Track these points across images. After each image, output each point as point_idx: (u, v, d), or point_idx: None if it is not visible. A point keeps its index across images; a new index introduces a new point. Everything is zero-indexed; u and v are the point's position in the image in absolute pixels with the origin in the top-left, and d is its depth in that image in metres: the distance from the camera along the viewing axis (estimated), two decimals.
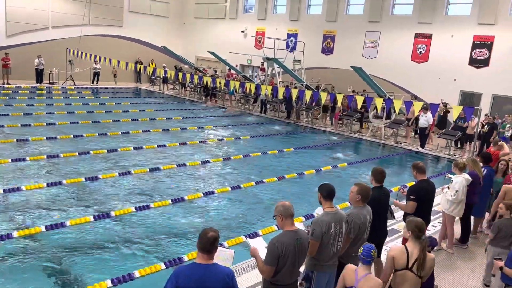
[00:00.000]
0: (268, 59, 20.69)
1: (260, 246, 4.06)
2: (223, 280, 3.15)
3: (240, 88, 19.60)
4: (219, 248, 3.37)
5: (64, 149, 10.89)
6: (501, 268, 4.68)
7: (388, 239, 5.73)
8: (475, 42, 17.87)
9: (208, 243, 3.13)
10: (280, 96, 17.56)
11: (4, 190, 7.82)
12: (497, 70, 17.23)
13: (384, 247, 5.61)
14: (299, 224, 4.11)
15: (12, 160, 9.60)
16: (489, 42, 17.51)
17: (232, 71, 24.42)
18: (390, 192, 5.41)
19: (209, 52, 23.83)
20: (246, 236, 6.68)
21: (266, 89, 16.96)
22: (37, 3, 23.84)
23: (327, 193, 4.18)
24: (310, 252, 3.99)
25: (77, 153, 10.62)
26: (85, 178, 8.87)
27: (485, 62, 17.65)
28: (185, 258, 5.95)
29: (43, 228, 6.50)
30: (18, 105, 16.47)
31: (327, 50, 23.10)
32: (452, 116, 13.50)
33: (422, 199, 5.50)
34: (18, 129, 12.74)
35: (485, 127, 14.54)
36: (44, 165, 9.68)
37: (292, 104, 18.85)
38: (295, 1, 24.14)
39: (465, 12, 18.36)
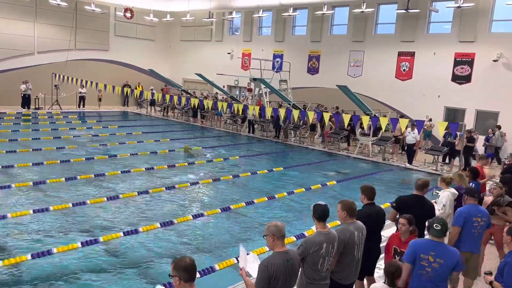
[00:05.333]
0: (255, 79, 20.88)
1: (252, 263, 3.97)
2: None
3: (228, 109, 19.68)
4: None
5: (51, 175, 10.73)
6: (490, 283, 4.68)
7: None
8: (457, 59, 18.30)
9: (195, 269, 3.03)
10: (268, 116, 17.66)
11: None
12: (479, 86, 17.62)
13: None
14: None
15: None
16: (470, 59, 17.94)
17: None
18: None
19: (196, 74, 23.99)
20: (237, 258, 6.60)
21: (254, 109, 17.06)
22: (22, 29, 23.85)
23: (320, 215, 4.17)
24: None
25: (63, 179, 10.46)
26: (73, 204, 8.72)
27: (467, 78, 18.05)
28: None
29: (29, 257, 6.34)
30: (3, 131, 16.26)
31: (312, 70, 23.42)
32: (438, 132, 13.73)
33: (401, 210, 5.50)
34: (3, 155, 12.54)
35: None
36: (30, 191, 9.51)
37: (279, 123, 18.97)
38: (280, 22, 24.55)
39: (446, 30, 18.87)
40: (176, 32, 30.49)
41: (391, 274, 3.97)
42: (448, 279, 4.41)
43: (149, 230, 7.70)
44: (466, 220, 5.36)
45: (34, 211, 8.16)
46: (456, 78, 18.35)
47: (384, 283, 4.18)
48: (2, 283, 5.68)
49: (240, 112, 19.43)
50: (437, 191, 6.91)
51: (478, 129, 16.99)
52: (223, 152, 15.71)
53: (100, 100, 25.72)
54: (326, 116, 14.55)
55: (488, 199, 6.57)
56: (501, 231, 6.24)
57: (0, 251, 6.57)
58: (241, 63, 26.47)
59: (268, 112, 16.59)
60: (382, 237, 5.37)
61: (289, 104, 19.20)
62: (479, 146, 16.16)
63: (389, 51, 20.35)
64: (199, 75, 23.49)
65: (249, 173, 12.51)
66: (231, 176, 11.97)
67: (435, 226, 4.26)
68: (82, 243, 6.91)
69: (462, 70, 18.16)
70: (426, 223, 5.08)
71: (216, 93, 24.98)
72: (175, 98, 19.95)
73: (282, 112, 15.78)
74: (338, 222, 7.70)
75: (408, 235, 4.80)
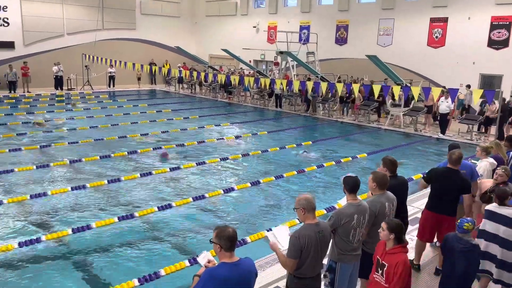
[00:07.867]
0: (281, 53, 20.61)
1: (283, 234, 4.06)
2: (253, 272, 3.25)
3: (255, 84, 19.58)
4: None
5: (86, 154, 11.09)
6: None
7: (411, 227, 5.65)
8: (493, 23, 17.41)
9: (236, 239, 3.17)
10: (296, 90, 17.45)
11: (31, 196, 8.02)
12: None
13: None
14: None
15: (37, 167, 9.83)
16: (507, 22, 17.04)
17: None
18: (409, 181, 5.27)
19: (222, 49, 23.89)
20: (267, 230, 6.70)
21: (281, 83, 16.90)
22: (51, 11, 24.27)
23: (350, 187, 4.19)
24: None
25: (98, 157, 10.80)
26: (108, 181, 9.03)
27: (504, 43, 17.20)
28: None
29: (69, 231, 6.65)
30: (39, 113, 16.84)
31: (340, 41, 22.87)
32: (473, 101, 13.23)
33: (433, 182, 5.49)
34: (40, 136, 13.02)
35: None
36: (67, 169, 9.89)
37: (308, 97, 18.76)
38: None
39: None
40: (201, 8, 30.29)
41: (500, 197, 4.57)
42: None
43: (182, 205, 7.90)
44: None
45: (72, 189, 8.49)
46: (493, 43, 17.51)
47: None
48: (47, 256, 6.00)
49: (267, 87, 19.30)
50: (474, 161, 6.70)
51: None
52: (251, 127, 15.74)
53: (139, 79, 26.23)
54: (356, 88, 14.27)
55: (486, 182, 5.97)
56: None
57: (44, 226, 6.92)
58: (267, 37, 26.13)
59: (296, 86, 16.42)
60: (414, 208, 5.31)
61: (317, 77, 18.92)
62: None
63: (421, 17, 19.57)
64: (226, 50, 23.38)
65: (278, 148, 12.53)
66: (259, 151, 12.03)
67: None
68: (119, 218, 7.18)
69: (499, 34, 17.29)
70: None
71: (241, 68, 24.86)
72: (202, 74, 20.00)
73: (310, 85, 15.57)
74: (367, 195, 7.70)
75: (392, 245, 3.76)
